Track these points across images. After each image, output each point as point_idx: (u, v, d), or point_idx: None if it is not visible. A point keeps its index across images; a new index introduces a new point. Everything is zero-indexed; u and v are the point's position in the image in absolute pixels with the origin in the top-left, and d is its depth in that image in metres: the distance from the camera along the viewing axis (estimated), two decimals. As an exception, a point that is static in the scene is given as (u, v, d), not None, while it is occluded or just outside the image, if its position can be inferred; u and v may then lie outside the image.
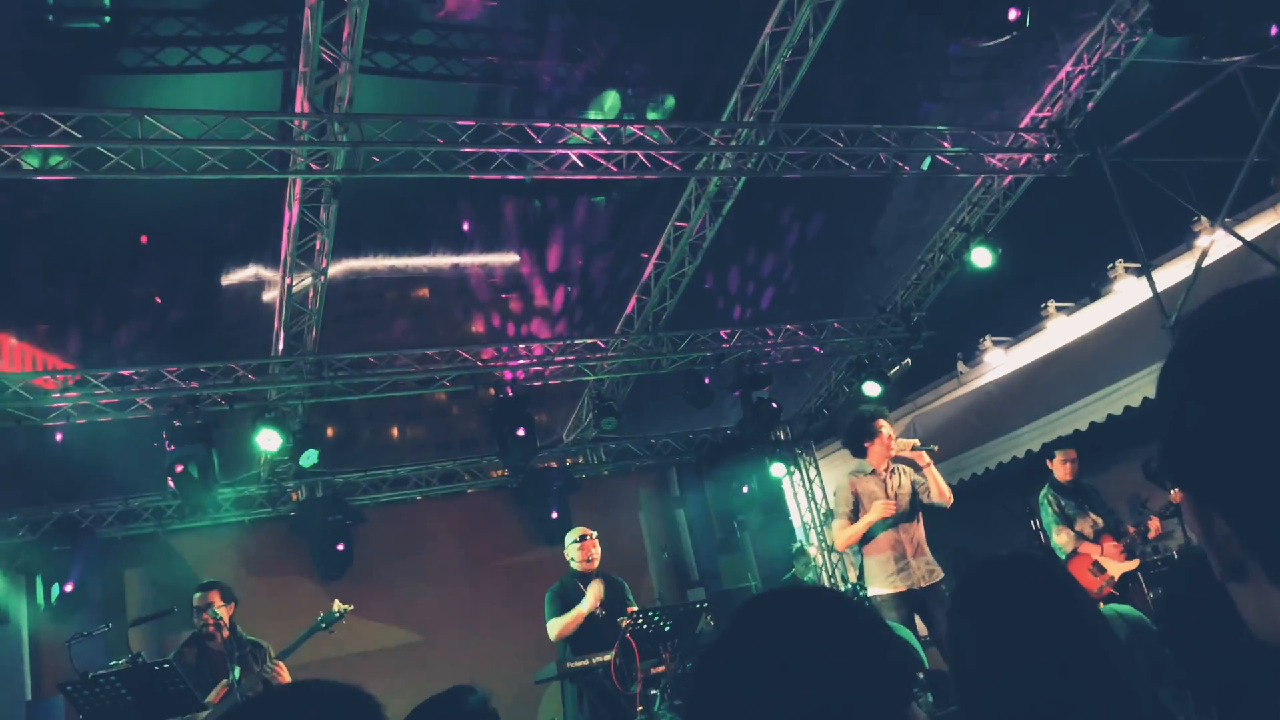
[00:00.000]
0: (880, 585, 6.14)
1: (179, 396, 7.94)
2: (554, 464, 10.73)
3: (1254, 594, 0.76)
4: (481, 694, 2.49)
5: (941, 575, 6.16)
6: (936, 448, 6.56)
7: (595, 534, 6.96)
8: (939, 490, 6.28)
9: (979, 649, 1.82)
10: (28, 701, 8.10)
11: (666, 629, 6.13)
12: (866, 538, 6.19)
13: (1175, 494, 6.92)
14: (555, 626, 6.59)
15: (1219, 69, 7.90)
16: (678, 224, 8.66)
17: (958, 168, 8.63)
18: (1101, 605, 6.27)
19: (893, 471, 6.33)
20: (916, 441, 6.48)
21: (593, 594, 6.50)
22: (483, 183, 7.51)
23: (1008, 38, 5.89)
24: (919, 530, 6.26)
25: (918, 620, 6.11)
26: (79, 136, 5.96)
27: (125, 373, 7.86)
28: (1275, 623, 0.75)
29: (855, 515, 6.24)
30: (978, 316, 11.70)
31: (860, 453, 6.37)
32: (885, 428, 6.33)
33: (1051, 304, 10.49)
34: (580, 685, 6.29)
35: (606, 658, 6.28)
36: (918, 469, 6.37)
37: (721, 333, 9.81)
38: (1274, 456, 0.70)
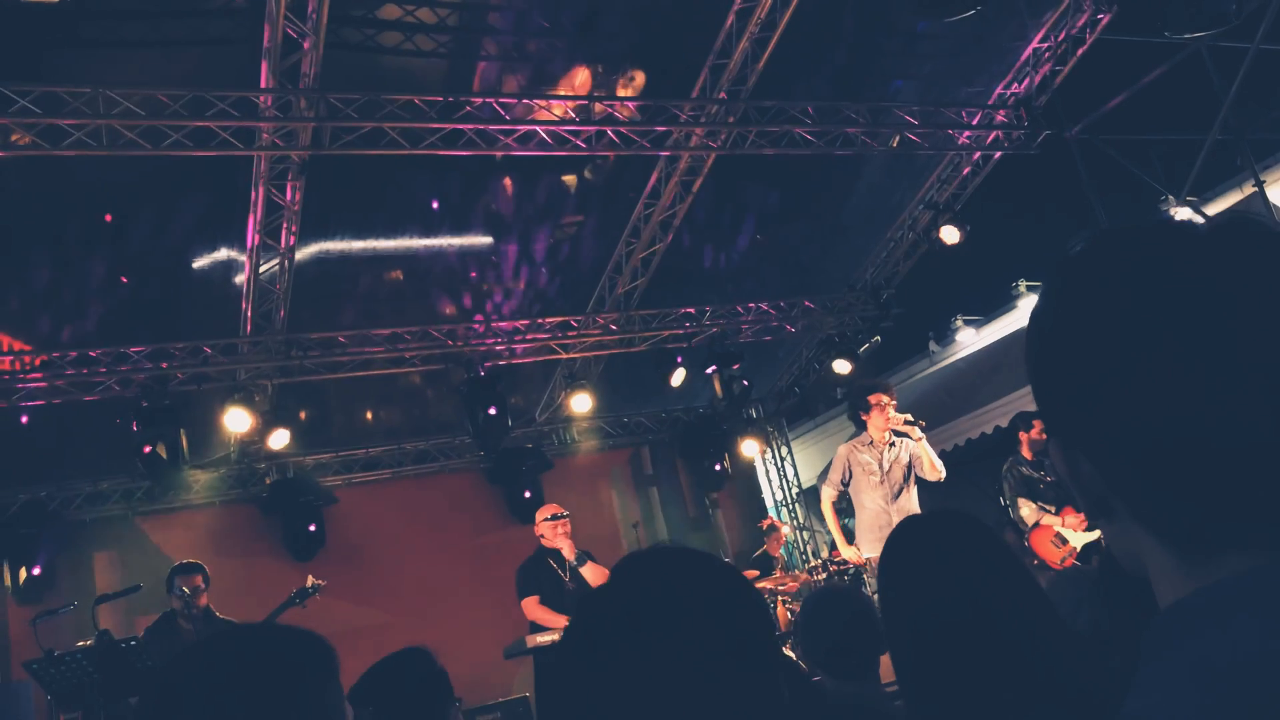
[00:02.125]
0: (868, 550, 6.51)
1: (146, 377, 7.88)
2: (528, 444, 10.74)
3: (1118, 530, 0.79)
4: (430, 654, 2.52)
5: None
6: (924, 423, 6.73)
7: (568, 514, 6.94)
8: (930, 465, 6.52)
9: (903, 599, 1.86)
10: (-3, 685, 8.05)
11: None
12: (859, 504, 6.57)
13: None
14: (535, 611, 6.62)
15: (1183, 46, 7.99)
16: (648, 202, 8.67)
17: (926, 145, 8.68)
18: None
19: (891, 444, 6.58)
20: (909, 416, 6.67)
21: None
22: (452, 161, 7.49)
23: (972, 12, 5.93)
24: (909, 502, 6.51)
25: None
26: (38, 112, 5.90)
27: (91, 353, 7.80)
28: (1135, 554, 0.78)
29: (845, 483, 6.64)
30: (949, 295, 11.81)
31: (859, 424, 6.67)
32: (882, 400, 6.56)
33: (1022, 283, 10.60)
34: (549, 659, 6.32)
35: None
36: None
37: (693, 311, 9.84)
38: (1129, 402, 0.72)
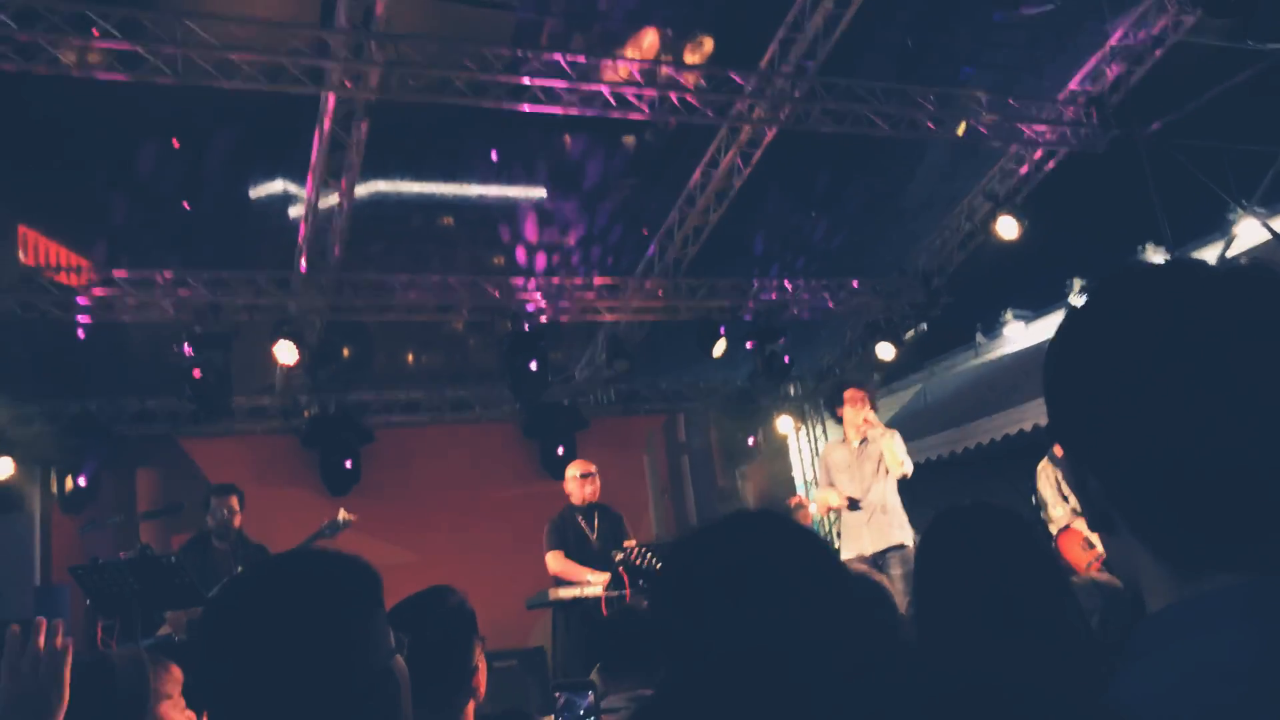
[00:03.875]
0: (847, 548, 6.64)
1: (201, 302, 8.09)
2: (565, 401, 10.87)
3: (1118, 543, 0.86)
4: (460, 595, 2.61)
5: (898, 541, 6.52)
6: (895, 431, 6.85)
7: (596, 471, 7.09)
8: (894, 462, 6.61)
9: (938, 588, 1.94)
10: (36, 586, 8.38)
11: (658, 565, 6.30)
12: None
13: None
14: (556, 564, 6.78)
15: (1265, 55, 7.83)
16: (705, 170, 8.69)
17: (992, 136, 8.61)
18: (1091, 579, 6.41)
19: (864, 440, 6.72)
20: (873, 415, 6.77)
21: (600, 582, 6.60)
22: (515, 114, 7.55)
23: (1050, 7, 5.87)
24: (886, 497, 6.62)
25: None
26: (118, 36, 6.05)
27: (150, 275, 8.01)
28: (1131, 567, 0.86)
29: (829, 480, 6.84)
30: (1000, 288, 11.68)
31: (836, 419, 6.92)
32: (855, 396, 6.71)
33: (1076, 282, 10.48)
34: (569, 613, 6.48)
35: (598, 590, 6.47)
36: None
37: (740, 283, 9.87)
38: (1135, 427, 0.80)
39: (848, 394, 6.77)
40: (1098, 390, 0.83)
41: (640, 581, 6.36)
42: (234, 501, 6.33)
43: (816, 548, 1.31)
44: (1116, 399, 0.81)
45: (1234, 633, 0.74)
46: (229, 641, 1.37)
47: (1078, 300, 0.90)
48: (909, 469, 6.72)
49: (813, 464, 12.04)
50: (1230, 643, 0.74)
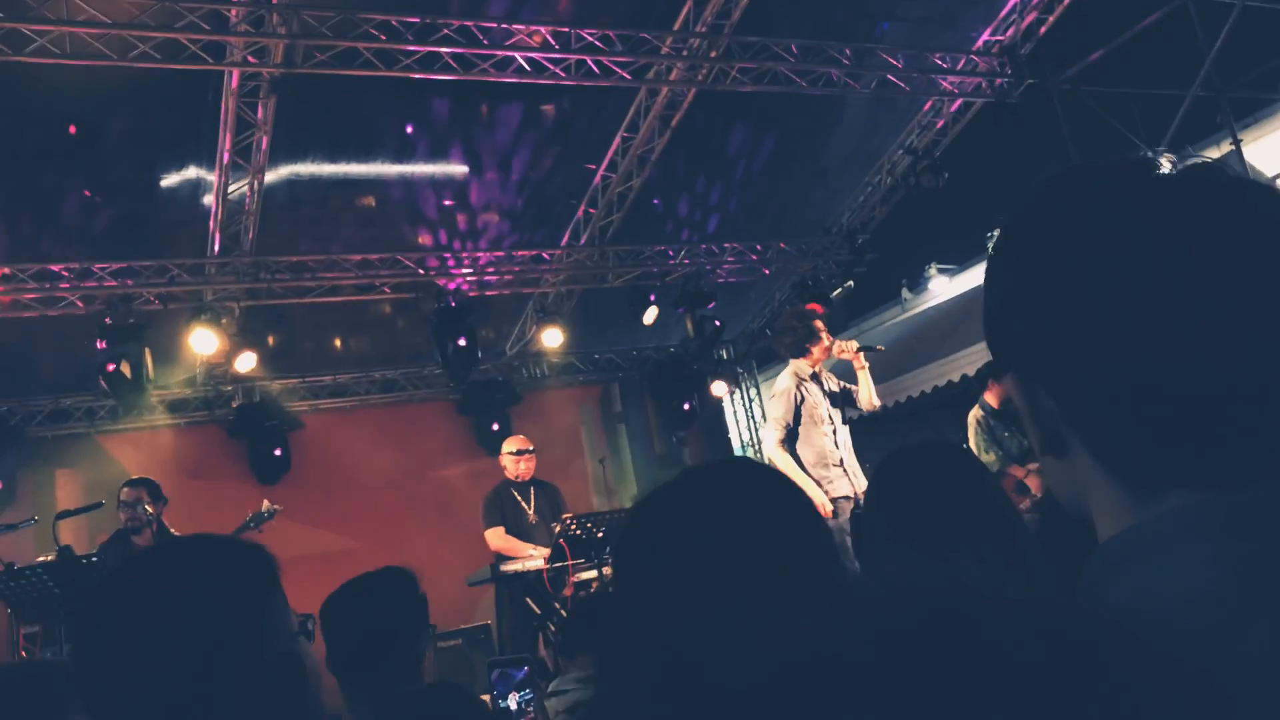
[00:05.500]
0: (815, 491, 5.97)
1: (112, 294, 7.78)
2: (498, 377, 10.74)
3: (1066, 465, 0.80)
4: (412, 576, 2.54)
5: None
6: (882, 347, 6.45)
7: (532, 449, 7.02)
8: (869, 396, 6.14)
9: (893, 520, 1.90)
10: (-44, 598, 8.05)
11: (599, 535, 6.25)
12: (802, 442, 5.99)
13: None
14: (496, 540, 6.70)
15: (1169, 0, 7.95)
16: (625, 135, 8.58)
17: (908, 89, 8.63)
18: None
19: (823, 374, 6.15)
20: (855, 344, 6.28)
21: (541, 555, 6.48)
22: (427, 85, 7.36)
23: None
24: (848, 438, 6.14)
25: None
26: (1, 15, 5.73)
27: (54, 268, 7.68)
28: (1080, 492, 0.80)
29: (796, 422, 5.99)
30: (924, 242, 11.83)
31: (801, 353, 6.10)
32: (823, 326, 6.14)
33: (997, 232, 10.62)
34: (512, 588, 6.41)
35: (539, 563, 6.40)
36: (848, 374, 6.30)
37: (668, 249, 9.81)
38: (1094, 336, 0.74)
39: (819, 323, 6.11)
40: (1052, 298, 0.77)
41: (587, 553, 6.30)
42: (141, 493, 6.07)
43: (791, 493, 1.24)
44: (1073, 307, 0.75)
45: (1196, 552, 0.69)
46: (108, 634, 1.27)
47: (1025, 204, 0.83)
48: (878, 404, 6.28)
49: (749, 425, 12.08)
50: (1192, 563, 0.69)
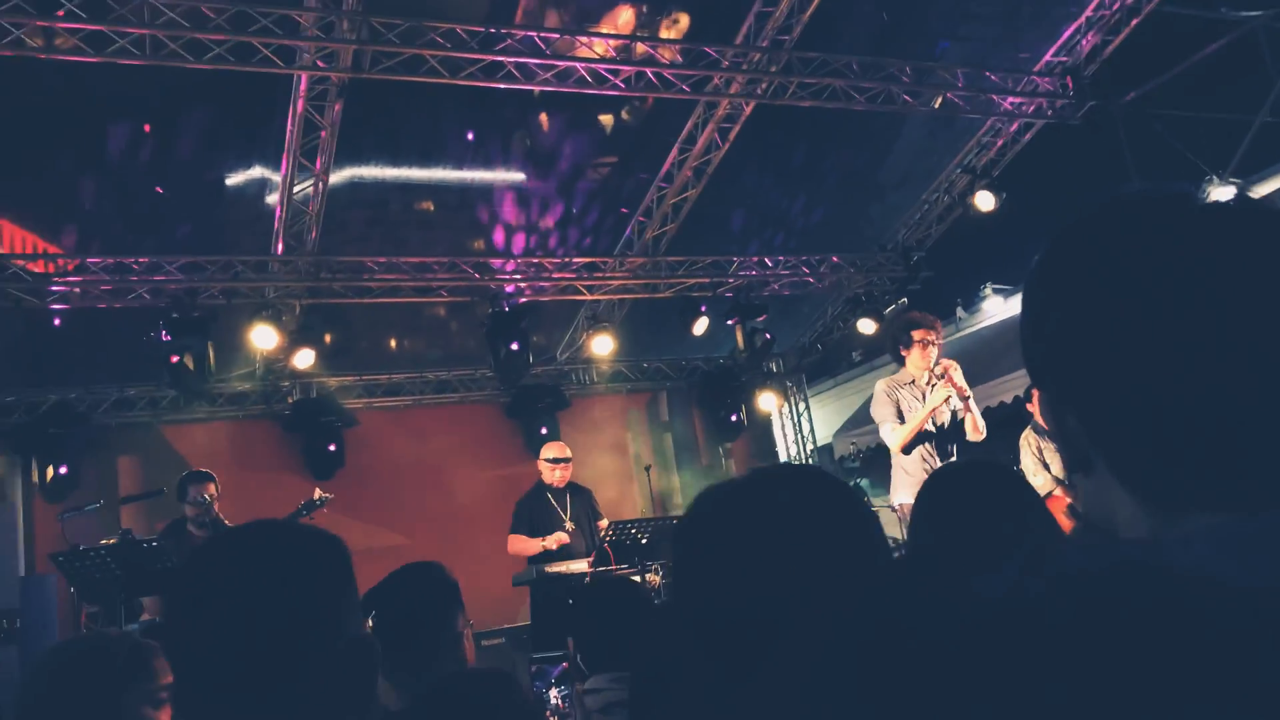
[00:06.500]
0: (905, 494, 5.92)
1: (178, 288, 8.00)
2: (548, 382, 10.82)
3: (1093, 485, 0.83)
4: (441, 567, 2.64)
5: None
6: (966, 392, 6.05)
7: (569, 457, 7.11)
8: (974, 425, 5.92)
9: (937, 536, 1.92)
10: (21, 577, 8.30)
11: (644, 541, 6.29)
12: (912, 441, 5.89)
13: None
14: (516, 544, 6.80)
15: (1239, 24, 7.83)
16: (683, 147, 8.64)
17: (968, 108, 8.58)
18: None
19: (933, 386, 5.90)
20: (953, 365, 6.00)
21: (555, 539, 6.63)
22: (489, 93, 7.47)
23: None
24: (951, 452, 5.94)
25: None
26: (84, 16, 5.94)
27: (125, 261, 7.91)
28: (1107, 511, 0.83)
29: (901, 418, 5.91)
30: (980, 262, 11.72)
31: (898, 359, 6.07)
32: (928, 337, 5.90)
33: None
34: (552, 590, 6.47)
35: (583, 566, 6.46)
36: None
37: (720, 260, 9.84)
38: (1121, 362, 0.76)
39: (918, 333, 5.91)
40: (1081, 321, 0.80)
41: (631, 559, 6.35)
42: (210, 489, 6.24)
43: (853, 501, 1.26)
44: (1100, 330, 0.78)
45: (1215, 573, 0.72)
46: (202, 610, 1.33)
47: (1065, 230, 0.86)
48: (985, 433, 5.99)
49: (796, 439, 12.05)
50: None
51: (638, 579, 6.15)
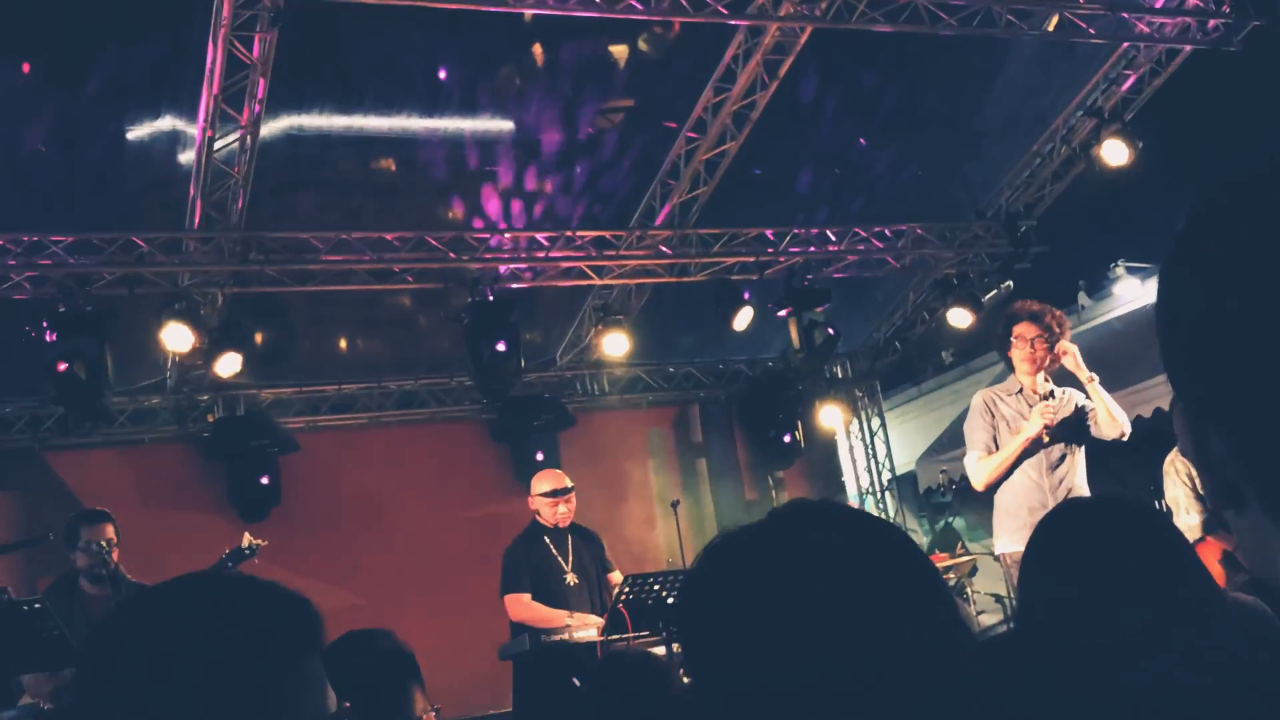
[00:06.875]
0: (1009, 540, 5.99)
1: (65, 275, 8.04)
2: (544, 393, 10.85)
3: (1248, 524, 0.81)
4: (390, 634, 2.76)
5: None
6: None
7: (571, 487, 7.07)
8: (1109, 416, 5.99)
9: (1053, 596, 1.91)
10: None
11: (669, 601, 6.27)
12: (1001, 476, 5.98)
13: None
14: (520, 611, 6.75)
15: None
16: (718, 86, 8.63)
17: (1093, 31, 8.55)
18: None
19: (1050, 394, 5.95)
20: (1072, 350, 6.03)
21: (579, 620, 6.61)
22: (467, 17, 7.48)
23: None
24: (1072, 474, 6.02)
25: None
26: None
27: (-2, 240, 7.97)
28: (1266, 556, 0.81)
29: (995, 445, 6.02)
30: (1109, 234, 11.68)
31: (1006, 363, 6.19)
32: (1030, 332, 5.96)
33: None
34: (553, 663, 6.46)
35: (592, 633, 6.45)
36: (1082, 388, 6.08)
37: (768, 233, 9.83)
38: (1276, 369, 0.75)
39: (1020, 327, 5.99)
40: (1233, 311, 0.78)
41: (653, 624, 6.34)
42: (108, 532, 6.24)
43: (908, 548, 1.27)
44: (1258, 324, 0.76)
45: None
46: (120, 698, 1.32)
47: (1206, 203, 0.84)
48: (1128, 429, 6.09)
49: (869, 466, 12.02)
50: None
51: (661, 651, 6.14)
